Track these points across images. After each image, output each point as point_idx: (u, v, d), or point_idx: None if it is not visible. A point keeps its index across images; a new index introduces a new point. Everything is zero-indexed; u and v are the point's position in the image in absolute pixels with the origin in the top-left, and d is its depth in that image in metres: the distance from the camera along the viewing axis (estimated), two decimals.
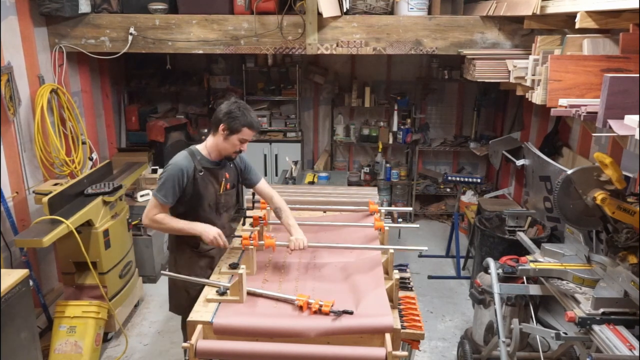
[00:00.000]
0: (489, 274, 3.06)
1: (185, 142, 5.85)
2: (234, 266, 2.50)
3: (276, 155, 6.01)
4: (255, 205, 3.42)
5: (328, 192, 3.83)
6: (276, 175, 5.98)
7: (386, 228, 2.99)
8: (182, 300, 2.85)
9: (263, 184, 2.99)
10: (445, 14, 4.35)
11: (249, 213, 3.22)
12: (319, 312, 2.22)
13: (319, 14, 4.02)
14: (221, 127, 2.63)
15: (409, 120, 6.20)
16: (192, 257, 2.86)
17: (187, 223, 2.67)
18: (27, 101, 4.07)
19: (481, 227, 4.27)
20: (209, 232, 2.63)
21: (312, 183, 4.85)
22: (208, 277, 2.67)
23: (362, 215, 3.29)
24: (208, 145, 2.75)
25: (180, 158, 2.67)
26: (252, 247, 2.60)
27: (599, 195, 2.53)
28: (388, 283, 2.40)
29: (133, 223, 4.37)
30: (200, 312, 2.28)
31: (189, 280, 2.57)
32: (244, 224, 3.23)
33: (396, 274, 2.35)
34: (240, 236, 2.88)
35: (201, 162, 2.69)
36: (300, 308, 2.26)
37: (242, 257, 2.69)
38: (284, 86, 6.08)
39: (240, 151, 2.73)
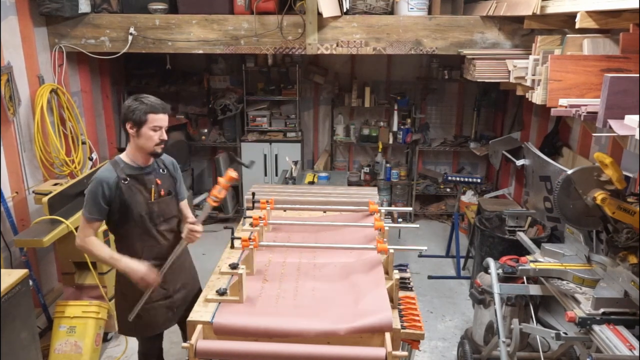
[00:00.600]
0: (489, 274, 3.06)
1: (185, 142, 5.85)
2: (234, 266, 2.50)
3: (276, 155, 6.00)
4: (255, 205, 3.43)
5: (328, 192, 3.83)
6: (276, 175, 5.98)
7: (386, 228, 2.98)
8: (131, 321, 2.60)
9: (184, 203, 2.78)
10: (445, 14, 4.35)
11: (248, 213, 3.23)
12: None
13: (319, 14, 4.02)
14: (128, 125, 2.45)
15: (409, 120, 6.20)
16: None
17: (113, 256, 2.48)
18: (27, 101, 4.07)
19: (481, 227, 4.27)
20: (136, 271, 2.43)
21: (312, 183, 4.85)
22: (158, 296, 2.59)
23: (362, 216, 3.29)
24: (129, 152, 2.54)
25: (101, 170, 2.49)
26: (252, 247, 2.58)
27: (599, 195, 2.53)
28: (388, 283, 2.40)
29: None
30: (200, 312, 2.28)
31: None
32: (243, 224, 3.23)
33: (396, 274, 2.36)
34: (239, 238, 2.88)
35: (124, 170, 2.49)
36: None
37: (241, 257, 2.69)
38: (284, 86, 6.08)
39: (162, 141, 2.50)
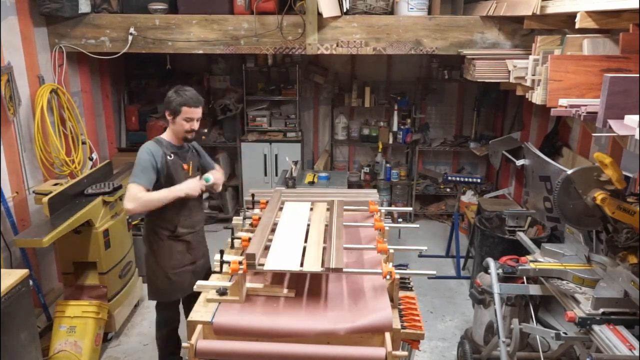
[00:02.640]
0: (489, 274, 3.06)
1: None
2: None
3: (276, 155, 6.00)
4: (255, 205, 3.43)
5: (328, 192, 3.84)
6: (276, 175, 5.98)
7: (386, 228, 2.98)
8: (164, 285, 3.04)
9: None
10: (445, 14, 4.35)
11: (248, 213, 3.23)
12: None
13: (319, 14, 4.02)
14: (166, 113, 2.90)
15: (409, 120, 6.20)
16: (170, 242, 2.98)
17: (168, 190, 2.83)
18: (27, 101, 4.07)
19: (481, 227, 4.27)
20: (192, 187, 2.88)
21: (312, 183, 4.85)
22: (187, 261, 3.01)
23: (363, 217, 3.29)
24: (168, 134, 2.98)
25: (148, 144, 2.88)
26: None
27: (599, 195, 2.53)
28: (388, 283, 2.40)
29: (133, 223, 4.37)
30: (200, 312, 2.28)
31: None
32: (243, 225, 3.23)
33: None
34: (239, 238, 2.87)
35: (168, 147, 2.91)
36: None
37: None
38: (284, 86, 6.07)
39: (192, 130, 2.92)
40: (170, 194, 2.82)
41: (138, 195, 2.73)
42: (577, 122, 4.48)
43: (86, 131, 4.66)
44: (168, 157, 2.87)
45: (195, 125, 2.93)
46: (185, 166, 2.99)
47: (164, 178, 2.86)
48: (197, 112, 2.90)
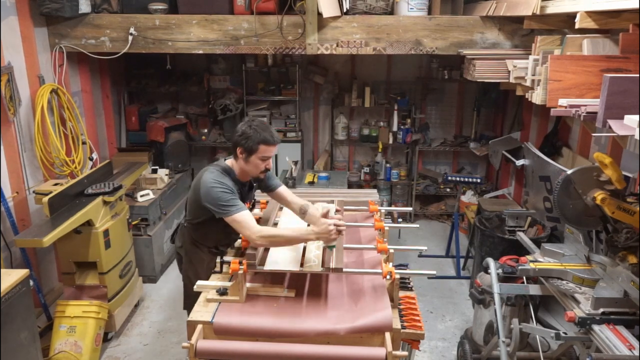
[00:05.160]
0: (489, 274, 3.06)
1: (185, 142, 5.85)
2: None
3: (276, 155, 5.99)
4: (255, 205, 3.43)
5: (328, 192, 3.84)
6: (276, 175, 5.96)
7: (386, 228, 2.99)
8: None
9: (283, 189, 2.94)
10: (445, 14, 4.35)
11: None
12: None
13: (319, 14, 4.02)
14: (238, 150, 2.58)
15: (409, 120, 6.20)
16: (210, 256, 2.81)
17: (300, 231, 2.51)
18: (27, 101, 4.07)
19: (481, 227, 4.27)
20: (328, 231, 2.36)
21: (312, 183, 4.85)
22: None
23: (363, 217, 3.29)
24: (235, 167, 2.67)
25: (218, 176, 2.57)
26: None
27: (599, 195, 2.53)
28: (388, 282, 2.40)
29: (133, 223, 4.38)
30: (200, 312, 2.28)
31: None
32: None
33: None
34: (239, 237, 2.88)
35: (236, 182, 2.65)
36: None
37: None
38: (284, 86, 6.08)
39: (267, 169, 2.64)
40: (302, 236, 2.46)
41: (269, 234, 2.45)
42: (577, 122, 4.48)
43: (86, 131, 4.66)
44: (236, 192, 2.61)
45: (270, 164, 2.64)
46: (247, 204, 2.75)
47: None
48: (274, 151, 2.60)
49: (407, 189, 6.45)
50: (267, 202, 3.25)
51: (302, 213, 2.81)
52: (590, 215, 2.69)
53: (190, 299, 2.86)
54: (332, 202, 3.24)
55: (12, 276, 2.79)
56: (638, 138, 1.92)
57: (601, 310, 2.49)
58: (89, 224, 3.60)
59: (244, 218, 2.46)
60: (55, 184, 3.93)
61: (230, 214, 2.47)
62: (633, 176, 3.15)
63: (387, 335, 2.10)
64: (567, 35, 3.16)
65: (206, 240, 2.80)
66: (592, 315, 2.50)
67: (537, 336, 2.97)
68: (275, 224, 2.91)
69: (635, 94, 2.14)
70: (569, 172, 2.66)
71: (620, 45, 2.80)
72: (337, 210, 2.76)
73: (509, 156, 5.16)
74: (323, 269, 2.33)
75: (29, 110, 4.09)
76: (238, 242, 2.90)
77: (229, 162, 2.71)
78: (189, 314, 2.31)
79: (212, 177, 2.55)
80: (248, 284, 2.45)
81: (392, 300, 2.33)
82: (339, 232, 2.42)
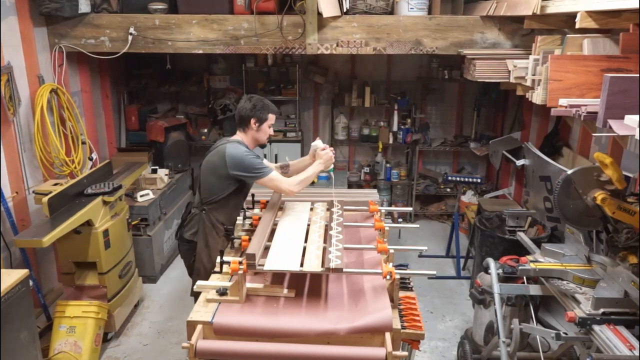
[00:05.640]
0: (489, 274, 3.06)
1: (185, 142, 5.85)
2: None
3: (276, 155, 6.00)
4: (255, 205, 3.43)
5: (328, 192, 3.83)
6: None
7: (386, 228, 2.98)
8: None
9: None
10: (445, 14, 4.35)
11: (248, 213, 3.23)
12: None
13: (319, 14, 4.02)
14: (252, 121, 3.00)
15: (409, 120, 6.20)
16: (223, 239, 3.03)
17: (313, 168, 3.08)
18: (27, 101, 4.07)
19: (481, 227, 4.27)
20: (330, 157, 3.13)
21: (312, 183, 4.84)
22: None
23: (363, 217, 3.29)
24: (244, 139, 3.06)
25: (240, 145, 2.97)
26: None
27: (599, 195, 2.53)
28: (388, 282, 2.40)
29: (133, 223, 4.37)
30: (200, 312, 2.28)
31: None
32: (243, 225, 3.24)
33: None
34: (239, 237, 2.88)
35: (249, 151, 3.02)
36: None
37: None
38: (284, 86, 6.07)
39: (271, 136, 3.14)
40: (317, 170, 3.09)
41: (290, 182, 2.97)
42: (577, 122, 4.48)
43: (86, 131, 4.66)
44: None
45: (272, 130, 3.14)
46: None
47: (243, 180, 3.00)
48: (274, 119, 3.12)
49: (407, 189, 6.45)
50: (267, 201, 3.25)
51: (284, 168, 3.36)
52: (591, 216, 2.69)
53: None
54: (332, 201, 3.24)
55: (12, 276, 2.78)
56: (638, 138, 1.92)
57: (601, 310, 2.49)
58: (88, 224, 3.60)
59: (277, 176, 2.98)
60: (55, 184, 3.93)
61: (265, 175, 2.91)
62: (633, 176, 3.15)
63: (387, 335, 2.10)
64: (568, 35, 3.16)
65: (225, 217, 3.04)
66: (593, 315, 2.49)
67: (538, 336, 2.97)
68: (275, 224, 2.91)
69: (636, 94, 2.14)
70: (570, 172, 2.66)
71: (621, 45, 2.80)
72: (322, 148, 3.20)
73: (509, 156, 5.16)
74: (323, 269, 2.33)
75: (28, 110, 4.09)
76: (238, 242, 2.90)
77: (238, 137, 3.08)
78: (196, 300, 2.41)
79: (238, 147, 2.94)
80: (248, 284, 2.45)
81: (392, 300, 2.32)
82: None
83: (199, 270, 3.07)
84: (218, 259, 2.64)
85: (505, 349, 2.86)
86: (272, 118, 3.08)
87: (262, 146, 3.23)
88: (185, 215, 3.20)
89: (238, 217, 3.18)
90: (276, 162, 5.92)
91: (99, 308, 3.60)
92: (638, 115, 1.94)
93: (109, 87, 5.59)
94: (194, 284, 3.03)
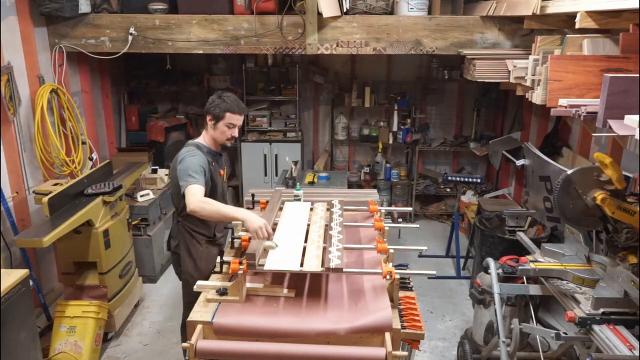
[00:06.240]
0: (489, 274, 3.06)
1: (185, 142, 5.84)
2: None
3: (276, 155, 6.00)
4: (255, 205, 3.43)
5: (328, 192, 3.84)
6: (276, 175, 5.98)
7: (386, 228, 2.98)
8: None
9: None
10: (445, 14, 4.35)
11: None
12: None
13: (319, 14, 4.02)
14: (207, 118, 2.86)
15: (409, 120, 6.20)
16: (207, 246, 2.94)
17: (232, 208, 2.68)
18: (27, 101, 4.07)
19: (481, 227, 4.27)
20: (254, 220, 2.50)
21: (312, 183, 4.85)
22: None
23: (363, 217, 3.29)
24: (206, 138, 2.93)
25: (191, 150, 2.80)
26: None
27: (599, 195, 2.53)
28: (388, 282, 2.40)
29: (133, 223, 4.38)
30: (200, 312, 2.28)
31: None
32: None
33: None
34: (239, 237, 2.88)
35: (209, 153, 2.86)
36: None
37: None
38: (284, 86, 6.08)
39: (233, 137, 2.88)
40: (234, 214, 2.59)
41: (206, 201, 2.59)
42: (577, 122, 4.48)
43: (86, 131, 4.66)
44: (211, 164, 2.83)
45: (236, 132, 2.88)
46: (221, 172, 2.98)
47: (208, 183, 2.76)
48: (240, 119, 2.86)
49: (407, 189, 6.45)
50: (267, 201, 3.25)
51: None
52: (591, 215, 2.69)
53: (191, 296, 2.79)
54: (332, 201, 3.24)
55: (12, 276, 2.78)
56: (638, 138, 1.92)
57: (601, 310, 2.49)
58: (88, 224, 3.60)
59: (196, 190, 2.60)
60: (55, 184, 3.93)
61: (188, 182, 2.62)
62: (633, 176, 3.15)
63: (387, 335, 2.10)
64: (567, 35, 3.16)
65: (203, 228, 2.90)
66: (593, 315, 2.49)
67: (537, 336, 2.97)
68: (276, 224, 2.91)
69: (636, 94, 2.14)
70: (569, 172, 2.66)
71: (621, 45, 2.79)
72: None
73: (509, 156, 5.16)
74: (323, 269, 2.33)
75: (28, 110, 4.09)
76: (238, 242, 2.90)
77: (200, 138, 2.95)
78: (188, 313, 2.31)
79: (188, 151, 2.79)
80: (248, 284, 2.45)
81: (392, 300, 2.32)
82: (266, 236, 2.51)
83: (186, 281, 2.93)
84: (218, 259, 2.65)
85: (505, 349, 2.86)
86: (232, 117, 2.81)
87: (224, 148, 2.96)
88: (173, 226, 3.07)
89: (224, 223, 3.03)
90: (276, 163, 5.98)
91: (99, 308, 3.60)
92: (638, 115, 1.94)
93: (109, 87, 5.59)
94: (184, 296, 2.98)
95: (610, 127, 2.15)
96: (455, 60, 5.75)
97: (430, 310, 4.37)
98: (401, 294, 2.45)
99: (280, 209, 3.19)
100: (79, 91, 4.89)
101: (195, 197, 2.57)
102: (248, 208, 3.36)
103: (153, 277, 4.80)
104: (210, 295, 2.38)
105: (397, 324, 2.19)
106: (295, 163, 5.05)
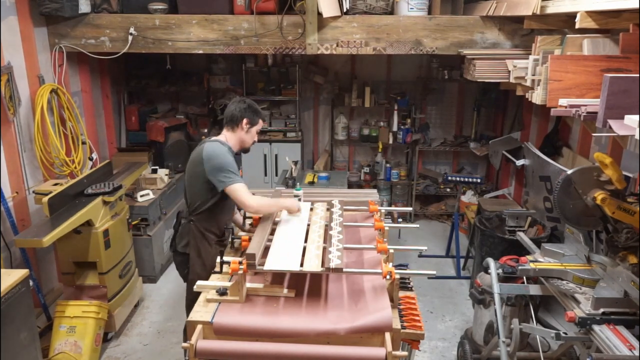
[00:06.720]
0: (489, 274, 3.06)
1: (185, 142, 5.85)
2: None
3: (276, 155, 6.00)
4: None
5: (328, 192, 3.84)
6: (276, 175, 5.98)
7: (386, 228, 2.98)
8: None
9: None
10: (445, 14, 4.35)
11: (248, 214, 3.22)
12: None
13: (319, 14, 4.02)
14: (244, 121, 2.94)
15: (409, 120, 6.20)
16: (216, 247, 2.95)
17: (276, 199, 3.02)
18: (27, 101, 4.07)
19: (481, 227, 4.27)
20: (294, 205, 2.96)
21: (312, 183, 4.85)
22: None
23: (363, 217, 3.29)
24: (229, 139, 2.95)
25: (222, 147, 2.83)
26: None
27: (599, 195, 2.53)
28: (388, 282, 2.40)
29: (133, 223, 4.37)
30: (200, 312, 2.28)
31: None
32: (243, 224, 3.24)
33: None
34: (239, 237, 2.88)
35: (231, 153, 2.89)
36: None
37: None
38: (284, 86, 6.08)
39: (254, 142, 3.06)
40: (283, 204, 2.98)
41: (259, 197, 2.83)
42: (577, 122, 4.48)
43: (86, 131, 4.66)
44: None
45: (257, 138, 3.09)
46: (240, 172, 3.04)
47: None
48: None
49: (407, 189, 6.45)
50: None
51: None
52: (591, 215, 2.69)
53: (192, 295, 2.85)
54: (332, 201, 3.24)
55: (12, 276, 2.78)
56: (638, 138, 1.92)
57: (601, 310, 2.49)
58: (88, 224, 3.60)
59: (242, 189, 2.74)
60: (55, 184, 3.93)
61: (233, 180, 2.72)
62: (633, 176, 3.15)
63: (387, 335, 2.10)
64: (567, 35, 3.16)
65: (214, 226, 2.93)
66: (593, 315, 2.49)
67: (537, 336, 2.97)
68: (275, 224, 2.91)
69: (636, 94, 2.14)
70: (569, 172, 2.66)
71: (621, 45, 2.79)
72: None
73: (509, 156, 5.16)
74: (323, 269, 2.33)
75: (28, 110, 4.09)
76: (238, 242, 2.90)
77: (221, 137, 2.95)
78: (189, 312, 2.32)
79: (219, 148, 2.80)
80: (248, 284, 2.45)
81: (392, 300, 2.32)
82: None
83: (193, 281, 2.87)
84: (218, 259, 2.65)
85: (505, 349, 2.86)
86: (261, 124, 3.06)
87: (245, 151, 3.09)
88: (176, 226, 3.07)
89: (237, 216, 3.14)
90: (276, 163, 5.98)
91: (99, 308, 3.60)
92: (638, 115, 1.94)
93: (109, 87, 5.59)
94: (187, 295, 2.98)
95: (610, 127, 2.15)
96: (455, 60, 5.75)
97: (430, 310, 4.37)
98: (401, 294, 2.45)
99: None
100: (79, 91, 4.89)
101: (250, 195, 2.75)
102: None
103: (153, 277, 4.80)
104: (210, 295, 2.38)
105: (397, 324, 2.20)
106: (295, 163, 5.05)
